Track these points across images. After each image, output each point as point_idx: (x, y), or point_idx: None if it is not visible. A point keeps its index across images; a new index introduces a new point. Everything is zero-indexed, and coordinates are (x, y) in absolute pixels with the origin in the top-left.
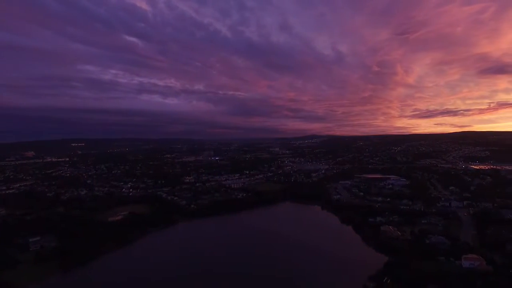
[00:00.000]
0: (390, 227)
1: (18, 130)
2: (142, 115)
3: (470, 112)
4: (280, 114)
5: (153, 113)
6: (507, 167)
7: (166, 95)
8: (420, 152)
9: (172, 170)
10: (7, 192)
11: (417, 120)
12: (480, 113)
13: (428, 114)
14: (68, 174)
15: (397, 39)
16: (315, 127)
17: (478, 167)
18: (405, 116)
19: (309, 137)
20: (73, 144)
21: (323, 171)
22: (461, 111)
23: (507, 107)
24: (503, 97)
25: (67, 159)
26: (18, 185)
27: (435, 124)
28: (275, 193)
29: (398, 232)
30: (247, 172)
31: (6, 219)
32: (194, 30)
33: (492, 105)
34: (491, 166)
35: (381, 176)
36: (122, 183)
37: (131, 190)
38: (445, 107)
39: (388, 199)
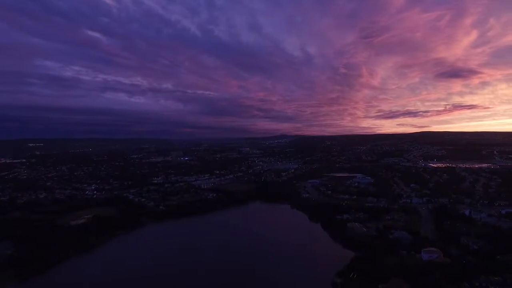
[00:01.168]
0: (357, 223)
1: None
2: (107, 114)
3: (429, 113)
4: (250, 114)
5: (119, 112)
6: (461, 165)
7: (132, 93)
8: (384, 151)
9: (139, 171)
10: None
11: (381, 121)
12: (437, 115)
13: (391, 115)
14: (25, 177)
15: (362, 43)
16: (285, 127)
17: (436, 165)
18: (370, 117)
19: (279, 137)
20: (31, 144)
21: (292, 170)
22: (421, 112)
23: (461, 109)
24: (457, 99)
25: (24, 160)
26: None
27: (397, 125)
28: (246, 193)
29: (364, 229)
30: (217, 172)
31: None
32: (161, 27)
33: (447, 107)
34: (448, 164)
35: (348, 175)
36: (85, 185)
37: (95, 192)
38: (406, 108)
39: (355, 196)
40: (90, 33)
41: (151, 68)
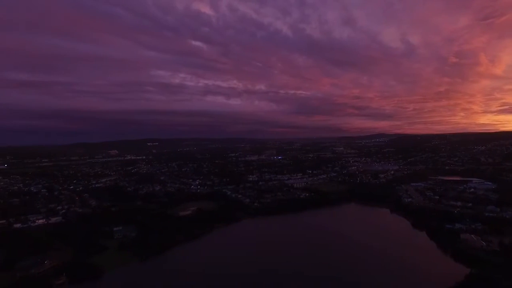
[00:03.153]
0: (472, 235)
1: (104, 131)
2: (208, 116)
3: None
4: (344, 112)
5: (218, 113)
6: None
7: (229, 96)
8: (510, 153)
9: (236, 169)
10: (96, 186)
11: (506, 116)
12: None
13: None
14: (144, 171)
15: (480, 25)
16: (383, 125)
17: None
18: (491, 112)
19: (376, 136)
20: (149, 144)
21: (392, 172)
22: None
23: None
24: None
25: (144, 157)
26: (105, 180)
27: None
28: (339, 193)
29: (483, 242)
30: (310, 171)
31: (96, 210)
32: (255, 31)
33: None
34: None
35: (461, 179)
36: (191, 180)
37: (199, 187)
38: None
39: (470, 204)
40: (194, 42)
41: (246, 71)
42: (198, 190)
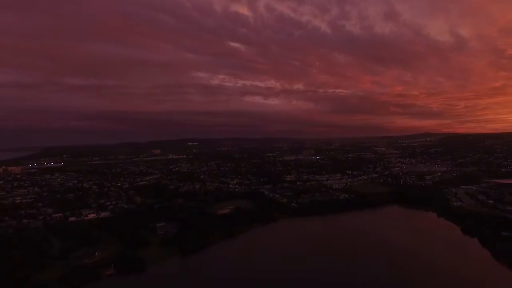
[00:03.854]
0: None
1: (148, 131)
2: (246, 116)
3: None
4: (386, 111)
5: (256, 113)
6: None
7: (267, 96)
8: None
9: (273, 169)
10: (140, 183)
11: None
12: None
13: None
14: (185, 170)
15: None
16: (429, 124)
17: None
18: None
19: (422, 135)
20: (189, 143)
21: (439, 174)
22: None
23: None
24: None
25: (185, 156)
26: (149, 178)
27: None
28: (381, 195)
29: None
30: (350, 172)
31: (140, 206)
32: (292, 30)
33: None
34: None
35: None
36: (229, 179)
37: (236, 186)
38: None
39: None
40: (232, 44)
41: (284, 70)
42: (236, 189)
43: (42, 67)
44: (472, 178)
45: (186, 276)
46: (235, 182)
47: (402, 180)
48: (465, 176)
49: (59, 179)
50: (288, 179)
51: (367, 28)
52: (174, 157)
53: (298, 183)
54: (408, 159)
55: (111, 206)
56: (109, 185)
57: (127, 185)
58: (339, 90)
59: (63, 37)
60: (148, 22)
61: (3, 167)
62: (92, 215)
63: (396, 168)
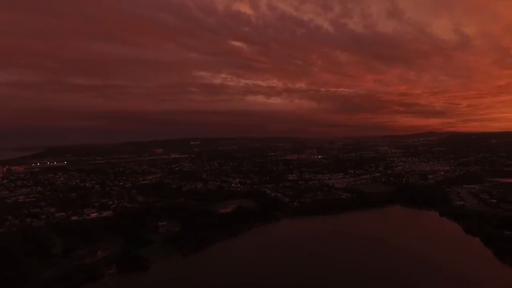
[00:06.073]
0: None
1: (150, 131)
2: (248, 115)
3: None
4: (388, 110)
5: (258, 112)
6: None
7: (269, 95)
8: None
9: (275, 168)
10: (142, 182)
11: None
12: None
13: None
14: (187, 169)
15: None
16: (432, 123)
17: None
18: None
19: (425, 135)
20: (191, 143)
21: (442, 173)
22: None
23: None
24: None
25: (187, 155)
26: (151, 177)
27: None
28: (383, 195)
29: None
30: (352, 171)
31: (143, 205)
32: (294, 28)
33: None
34: None
35: None
36: (231, 178)
37: (239, 185)
38: None
39: None
40: (234, 43)
41: (286, 69)
42: (238, 188)
43: (45, 67)
44: (475, 177)
45: (187, 274)
46: (237, 181)
47: (404, 180)
48: (468, 175)
49: (62, 178)
50: (290, 178)
51: (370, 26)
52: (177, 156)
53: (300, 182)
54: (410, 158)
55: (113, 205)
56: (111, 184)
57: (129, 184)
58: (341, 89)
59: (66, 37)
60: (151, 21)
61: (7, 166)
62: (94, 214)
63: (398, 167)
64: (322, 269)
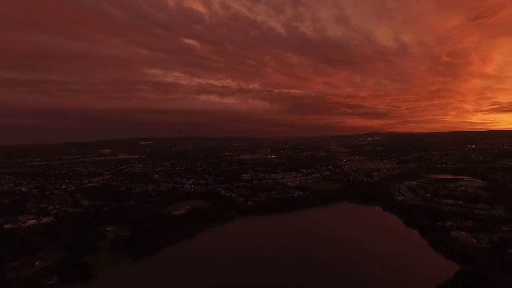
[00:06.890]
0: (463, 233)
1: (96, 130)
2: (202, 115)
3: None
4: (337, 111)
5: (212, 112)
6: None
7: (223, 94)
8: (501, 151)
9: (230, 168)
10: (88, 185)
11: (497, 115)
12: None
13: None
14: (138, 170)
15: (471, 25)
16: (376, 124)
17: None
18: (482, 111)
19: (370, 135)
20: (142, 143)
21: (385, 171)
22: None
23: None
24: None
25: (137, 156)
26: (97, 179)
27: None
28: (333, 192)
29: (473, 239)
30: (304, 170)
31: (88, 209)
32: (248, 29)
33: None
34: None
35: (452, 177)
36: (184, 179)
37: (192, 186)
38: None
39: (461, 202)
40: (186, 40)
41: (240, 69)
42: (192, 189)
43: None
44: (413, 174)
45: (136, 281)
46: (190, 182)
47: (352, 177)
48: (407, 172)
49: None
50: (245, 178)
51: (320, 31)
52: (126, 157)
53: (254, 181)
54: (357, 157)
55: (55, 211)
56: (52, 188)
57: (73, 188)
58: (293, 90)
59: None
60: (95, 13)
61: None
62: (32, 221)
63: (346, 166)
64: (276, 266)
